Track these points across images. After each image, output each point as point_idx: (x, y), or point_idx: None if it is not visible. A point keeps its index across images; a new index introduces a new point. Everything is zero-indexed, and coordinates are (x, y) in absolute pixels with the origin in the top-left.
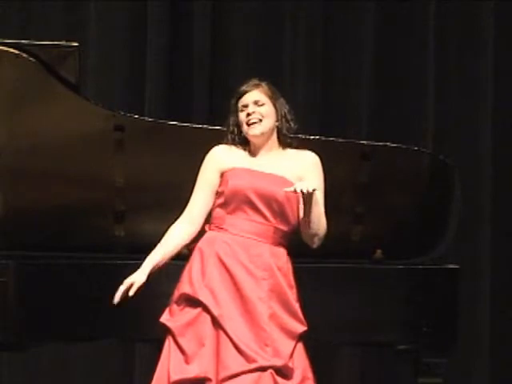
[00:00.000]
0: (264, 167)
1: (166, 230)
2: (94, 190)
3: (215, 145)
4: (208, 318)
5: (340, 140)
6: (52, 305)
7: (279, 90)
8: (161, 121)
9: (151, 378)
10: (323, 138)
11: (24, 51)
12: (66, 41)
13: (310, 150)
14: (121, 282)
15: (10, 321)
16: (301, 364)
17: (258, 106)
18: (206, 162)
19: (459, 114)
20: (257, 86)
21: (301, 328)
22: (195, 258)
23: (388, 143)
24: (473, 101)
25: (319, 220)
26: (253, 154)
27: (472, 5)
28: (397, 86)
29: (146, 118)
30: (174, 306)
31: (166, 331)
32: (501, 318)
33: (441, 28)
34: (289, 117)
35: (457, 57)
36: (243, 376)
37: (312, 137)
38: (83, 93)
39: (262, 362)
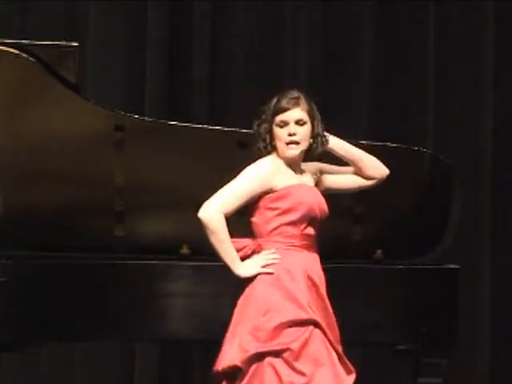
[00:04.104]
0: (304, 182)
1: (166, 230)
2: (94, 190)
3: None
4: (318, 336)
5: None
6: (52, 305)
7: (279, 91)
8: (161, 121)
9: (151, 379)
10: None
11: (24, 51)
12: (66, 41)
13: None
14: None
15: (10, 321)
16: None
17: (299, 126)
18: (259, 173)
19: (459, 114)
20: (297, 102)
21: None
22: (285, 279)
23: (388, 143)
24: (473, 101)
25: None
26: (289, 167)
27: (472, 5)
28: (397, 87)
29: (146, 118)
30: (275, 332)
31: (257, 359)
32: (501, 318)
33: (441, 28)
34: (322, 132)
35: (457, 57)
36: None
37: None
38: (83, 93)
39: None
